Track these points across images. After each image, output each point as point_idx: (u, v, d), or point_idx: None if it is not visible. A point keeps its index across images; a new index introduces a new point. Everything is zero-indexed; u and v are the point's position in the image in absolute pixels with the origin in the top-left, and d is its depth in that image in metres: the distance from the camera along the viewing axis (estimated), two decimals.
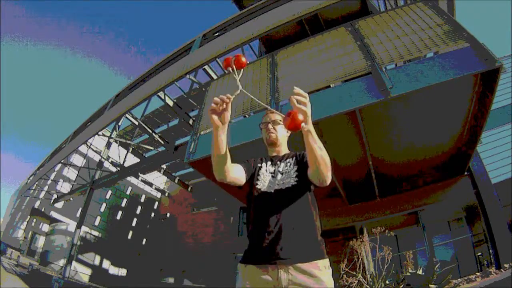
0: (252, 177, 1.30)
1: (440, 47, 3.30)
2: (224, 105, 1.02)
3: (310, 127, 0.94)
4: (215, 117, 1.03)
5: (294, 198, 1.18)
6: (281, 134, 1.40)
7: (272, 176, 1.27)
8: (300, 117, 0.89)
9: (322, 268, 1.08)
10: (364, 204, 5.80)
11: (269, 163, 1.34)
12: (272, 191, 1.22)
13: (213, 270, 11.49)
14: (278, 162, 1.33)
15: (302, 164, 1.25)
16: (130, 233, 25.57)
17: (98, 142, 11.59)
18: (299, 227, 1.13)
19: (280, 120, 1.39)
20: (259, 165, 1.34)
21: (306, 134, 0.96)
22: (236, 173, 1.22)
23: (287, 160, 1.32)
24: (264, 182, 1.26)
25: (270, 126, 1.40)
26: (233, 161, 1.25)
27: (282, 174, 1.27)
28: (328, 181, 1.07)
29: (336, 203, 5.92)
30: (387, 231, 3.76)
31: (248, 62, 1.05)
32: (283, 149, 1.42)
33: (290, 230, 1.11)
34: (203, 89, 6.55)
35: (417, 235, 6.97)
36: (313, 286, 1.03)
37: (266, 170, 1.31)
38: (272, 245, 1.09)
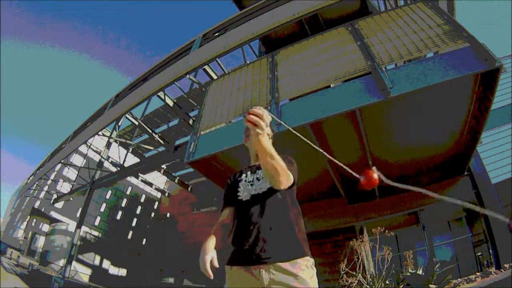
0: (234, 192, 1.37)
1: (440, 47, 3.30)
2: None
3: (261, 140, 0.97)
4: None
5: (270, 201, 1.23)
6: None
7: (251, 184, 1.34)
8: (375, 175, 0.97)
9: (304, 268, 1.10)
10: (364, 204, 5.80)
11: (248, 173, 1.42)
12: (249, 198, 1.28)
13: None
14: (257, 170, 1.40)
15: None
16: (130, 233, 25.55)
17: (98, 142, 11.59)
18: (277, 227, 1.17)
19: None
20: (239, 178, 1.42)
21: (257, 147, 1.02)
22: (231, 220, 1.31)
23: None
24: (243, 192, 1.33)
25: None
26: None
27: (259, 180, 1.34)
28: (281, 186, 1.12)
29: (336, 203, 5.92)
30: (387, 231, 3.76)
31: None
32: None
33: (268, 230, 1.15)
34: (203, 89, 6.55)
35: (417, 235, 6.96)
36: (294, 285, 1.04)
37: (245, 181, 1.38)
38: (252, 246, 1.13)
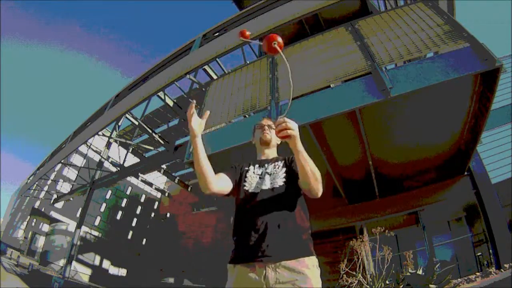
0: (239, 181, 1.34)
1: (440, 47, 3.30)
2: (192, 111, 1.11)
3: (300, 147, 1.06)
4: (194, 125, 1.13)
5: (281, 198, 1.20)
6: (274, 138, 1.47)
7: (260, 178, 1.31)
8: (279, 39, 0.99)
9: (311, 267, 1.09)
10: (364, 204, 5.80)
11: (256, 166, 1.39)
12: (259, 191, 1.25)
13: (213, 270, 11.49)
14: (266, 165, 1.37)
15: (290, 168, 1.31)
16: (130, 233, 25.56)
17: (98, 142, 11.59)
18: (285, 225, 1.14)
19: (273, 125, 1.48)
20: (246, 168, 1.39)
21: (297, 153, 1.07)
22: (220, 184, 1.25)
23: (276, 163, 1.36)
24: (251, 183, 1.30)
25: (266, 127, 1.48)
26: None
27: (270, 175, 1.31)
28: (320, 193, 1.15)
29: (336, 203, 5.92)
30: (387, 231, 3.76)
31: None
32: (272, 153, 1.48)
33: (276, 228, 1.12)
34: (203, 89, 6.55)
35: (417, 235, 6.96)
36: (300, 285, 1.02)
37: (253, 173, 1.34)
38: (259, 243, 1.09)
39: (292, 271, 1.05)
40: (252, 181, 1.31)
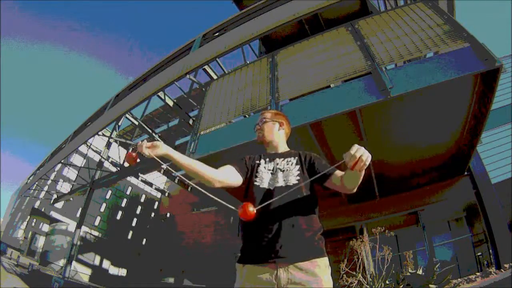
0: (250, 174, 1.26)
1: (440, 47, 3.30)
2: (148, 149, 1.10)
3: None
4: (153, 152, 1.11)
5: (295, 197, 1.16)
6: (270, 131, 1.39)
7: (272, 174, 1.25)
8: (251, 208, 0.97)
9: (323, 267, 1.07)
10: (364, 204, 5.80)
11: (267, 159, 1.31)
12: (272, 188, 1.19)
13: (213, 270, 11.49)
14: (277, 159, 1.30)
15: (310, 166, 1.26)
16: (130, 233, 25.59)
17: (98, 142, 11.59)
18: (299, 226, 1.11)
19: (266, 118, 1.40)
20: (257, 162, 1.31)
21: (359, 174, 1.00)
22: (223, 177, 1.18)
23: (288, 159, 1.30)
24: (262, 179, 1.23)
25: (257, 126, 1.40)
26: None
27: (282, 171, 1.24)
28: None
29: (336, 203, 5.92)
30: (387, 231, 3.76)
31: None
32: (280, 146, 1.39)
33: (290, 228, 1.09)
34: (203, 89, 6.55)
35: (417, 235, 6.96)
36: (312, 286, 1.01)
37: (264, 167, 1.28)
38: (272, 243, 1.06)
39: (305, 272, 1.03)
40: (263, 176, 1.24)
